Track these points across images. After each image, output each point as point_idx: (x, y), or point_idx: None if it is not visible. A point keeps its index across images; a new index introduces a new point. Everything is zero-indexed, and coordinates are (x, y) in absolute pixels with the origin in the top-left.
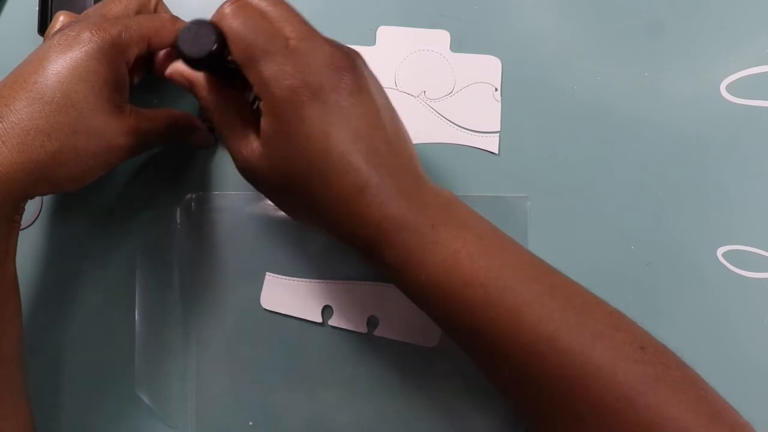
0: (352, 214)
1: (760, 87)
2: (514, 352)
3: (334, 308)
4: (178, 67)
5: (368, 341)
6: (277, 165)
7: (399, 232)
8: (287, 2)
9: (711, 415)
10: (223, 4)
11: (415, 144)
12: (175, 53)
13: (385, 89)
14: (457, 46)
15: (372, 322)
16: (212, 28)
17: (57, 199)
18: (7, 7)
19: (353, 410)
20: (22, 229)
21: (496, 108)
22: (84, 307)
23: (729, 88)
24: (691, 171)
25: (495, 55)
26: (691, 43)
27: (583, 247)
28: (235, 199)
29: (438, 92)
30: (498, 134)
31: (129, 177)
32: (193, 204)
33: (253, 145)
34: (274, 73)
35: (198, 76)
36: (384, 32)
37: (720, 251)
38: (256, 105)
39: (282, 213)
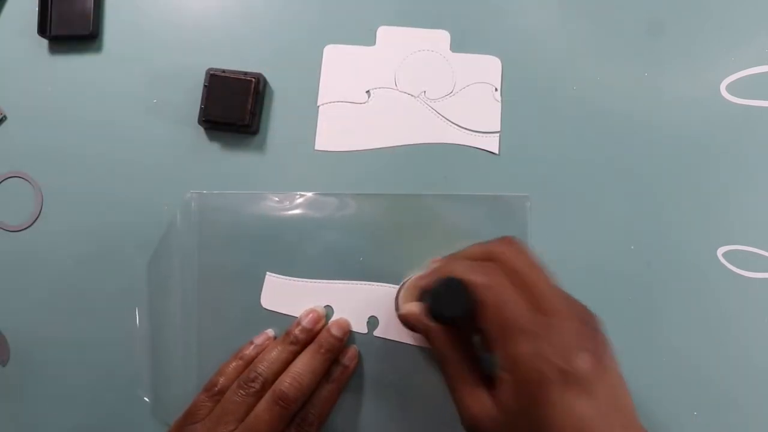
0: None
1: (760, 87)
2: None
3: (334, 309)
4: (414, 309)
5: (368, 341)
6: None
7: None
8: (539, 264)
9: None
10: (476, 269)
11: (415, 144)
12: (425, 309)
13: (384, 89)
14: (457, 46)
15: (372, 323)
16: (464, 292)
17: (57, 199)
18: (7, 7)
19: (353, 410)
20: (22, 229)
21: (496, 108)
22: (84, 307)
23: (729, 88)
24: (691, 171)
25: (495, 55)
26: (691, 43)
27: (583, 247)
28: (235, 198)
29: (438, 92)
30: (498, 134)
31: (129, 177)
32: (193, 203)
33: (485, 405)
34: (525, 353)
35: (435, 326)
36: (384, 32)
37: (720, 251)
38: (489, 363)
39: (282, 213)
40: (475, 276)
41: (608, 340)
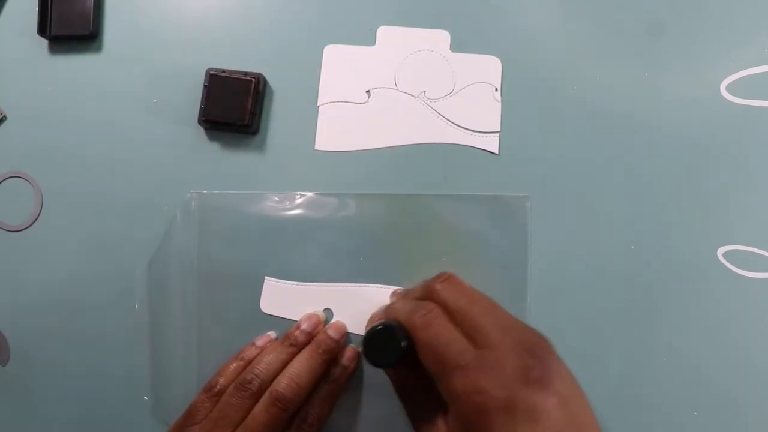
0: None
1: (760, 87)
2: None
3: (333, 311)
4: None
5: None
6: None
7: None
8: (478, 297)
9: None
10: (415, 310)
11: (415, 144)
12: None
13: (384, 89)
14: (457, 46)
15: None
16: (399, 336)
17: (57, 199)
18: (7, 7)
19: (354, 411)
20: (22, 229)
21: (496, 108)
22: (84, 308)
23: (729, 88)
24: (691, 171)
25: (495, 55)
26: (691, 43)
27: (583, 247)
28: (235, 198)
29: (438, 92)
30: (498, 134)
31: (129, 177)
32: (193, 203)
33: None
34: (464, 388)
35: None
36: (384, 32)
37: (720, 251)
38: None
39: (282, 214)
40: (411, 317)
41: (557, 362)
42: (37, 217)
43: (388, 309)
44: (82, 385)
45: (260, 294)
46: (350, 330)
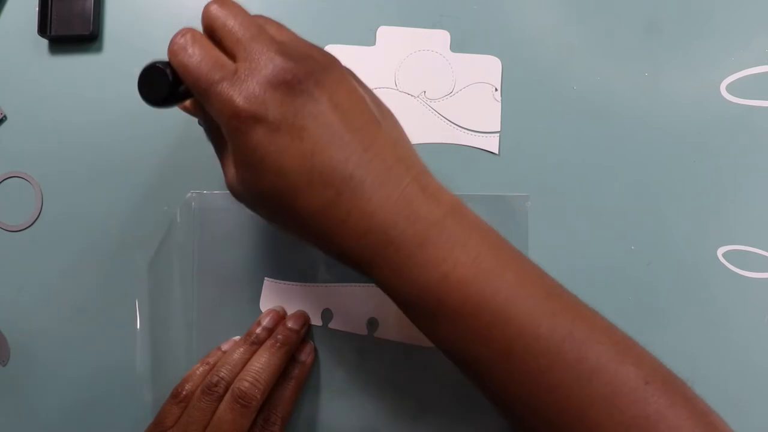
0: (330, 229)
1: (760, 87)
2: (504, 381)
3: (333, 311)
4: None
5: (368, 343)
6: (249, 188)
7: (382, 250)
8: (238, 11)
9: None
10: (173, 37)
11: (415, 144)
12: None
13: (384, 89)
14: (457, 46)
15: (372, 324)
16: (166, 69)
17: (57, 199)
18: (7, 7)
19: (354, 411)
20: (22, 229)
21: (496, 108)
22: (84, 308)
23: (729, 88)
24: (691, 171)
25: (495, 55)
26: (691, 43)
27: (583, 247)
28: None
29: (438, 92)
30: (498, 134)
31: (129, 176)
32: (193, 203)
33: (230, 167)
34: (220, 102)
35: (192, 103)
36: (384, 32)
37: (720, 251)
38: None
39: None
40: (170, 44)
41: (338, 74)
42: (37, 217)
43: None
44: (82, 385)
45: (260, 294)
46: (351, 330)
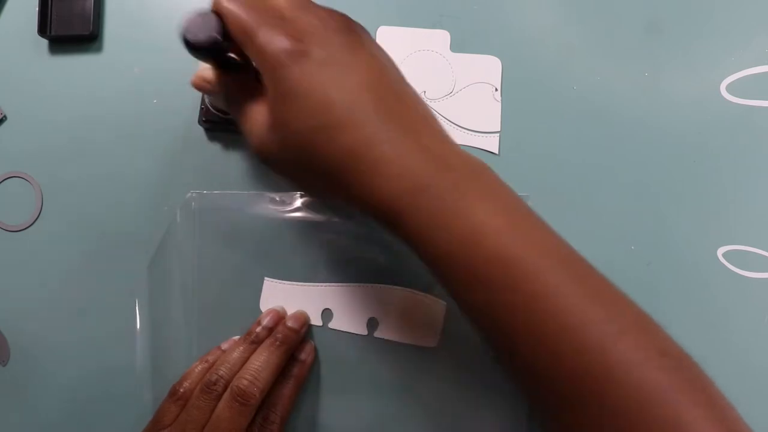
0: (362, 173)
1: (760, 87)
2: (529, 342)
3: (333, 311)
4: (200, 73)
5: (368, 343)
6: (284, 131)
7: (417, 196)
8: None
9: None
10: None
11: None
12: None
13: None
14: (457, 46)
15: (372, 324)
16: (214, 16)
17: (57, 199)
18: (7, 7)
19: (354, 411)
20: (22, 229)
21: (496, 108)
22: (84, 308)
23: (729, 88)
24: (691, 171)
25: (495, 55)
26: (691, 43)
27: (583, 247)
28: (236, 198)
29: (438, 92)
30: (498, 134)
31: (129, 177)
32: (193, 203)
33: (261, 119)
34: (267, 39)
35: (214, 75)
36: (384, 32)
37: (720, 251)
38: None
39: (282, 214)
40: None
41: (366, 34)
42: (37, 217)
43: None
44: (82, 386)
45: (260, 294)
46: (351, 330)
